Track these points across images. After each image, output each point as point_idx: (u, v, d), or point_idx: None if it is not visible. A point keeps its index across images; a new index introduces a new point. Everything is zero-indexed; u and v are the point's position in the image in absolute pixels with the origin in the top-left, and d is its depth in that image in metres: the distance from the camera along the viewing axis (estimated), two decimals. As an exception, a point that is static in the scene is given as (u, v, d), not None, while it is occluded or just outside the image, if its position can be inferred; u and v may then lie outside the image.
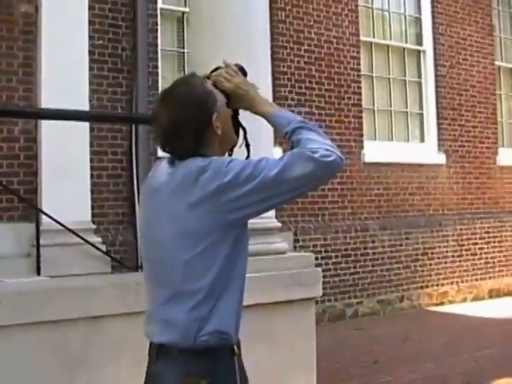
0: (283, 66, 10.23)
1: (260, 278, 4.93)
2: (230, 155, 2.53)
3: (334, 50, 10.75)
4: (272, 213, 5.38)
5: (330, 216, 10.64)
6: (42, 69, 7.95)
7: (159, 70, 9.23)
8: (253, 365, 4.73)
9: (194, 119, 2.41)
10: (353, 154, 10.84)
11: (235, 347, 2.46)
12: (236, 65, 2.61)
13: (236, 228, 2.41)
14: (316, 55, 10.56)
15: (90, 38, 8.32)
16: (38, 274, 7.21)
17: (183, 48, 9.55)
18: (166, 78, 9.29)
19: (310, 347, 5.21)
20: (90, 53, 8.34)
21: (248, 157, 2.50)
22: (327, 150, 2.35)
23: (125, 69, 8.82)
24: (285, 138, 2.44)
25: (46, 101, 7.77)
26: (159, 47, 9.28)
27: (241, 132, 2.61)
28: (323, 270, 10.04)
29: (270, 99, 9.73)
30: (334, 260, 10.49)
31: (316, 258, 9.95)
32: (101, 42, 8.65)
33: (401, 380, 6.84)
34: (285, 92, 10.19)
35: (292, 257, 5.42)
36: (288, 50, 10.30)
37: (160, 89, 8.97)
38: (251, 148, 2.59)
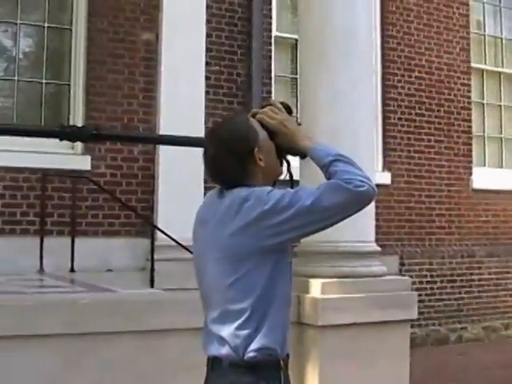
0: (393, 93, 10.42)
1: (357, 299, 5.17)
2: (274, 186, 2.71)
3: (445, 77, 10.86)
4: (372, 237, 5.61)
5: (437, 241, 10.72)
6: (161, 93, 8.42)
7: (272, 95, 9.57)
8: (347, 381, 4.99)
9: (236, 152, 2.64)
10: (461, 180, 10.92)
11: (281, 362, 2.61)
12: (282, 103, 2.83)
13: (275, 252, 2.58)
14: (426, 82, 10.70)
15: (207, 64, 8.76)
16: (152, 286, 7.58)
17: (296, 74, 9.87)
18: (278, 102, 9.62)
19: (403, 369, 5.37)
20: (207, 78, 8.77)
21: (291, 187, 2.70)
22: (361, 180, 2.50)
23: (239, 94, 9.20)
24: (322, 169, 2.61)
25: (165, 124, 8.25)
26: (273, 73, 9.65)
27: (285, 164, 2.81)
28: (428, 295, 10.25)
29: (380, 124, 9.93)
30: (439, 285, 10.56)
31: (421, 282, 10.14)
32: (217, 67, 9.08)
33: (499, 406, 6.90)
34: (394, 119, 10.37)
35: (389, 280, 5.59)
36: (399, 77, 10.48)
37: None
38: None
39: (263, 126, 2.73)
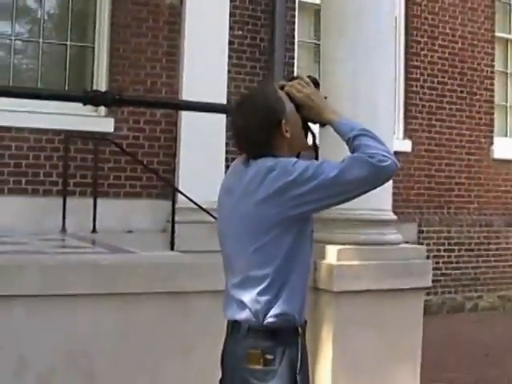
0: (416, 61, 10.43)
1: (372, 266, 5.23)
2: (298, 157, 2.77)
3: (469, 46, 10.84)
4: (389, 205, 5.66)
5: (456, 210, 10.79)
6: (185, 57, 8.49)
7: (295, 61, 9.62)
8: (360, 347, 5.09)
9: (264, 123, 2.70)
10: (482, 149, 10.97)
11: (299, 328, 2.70)
12: (309, 77, 2.89)
13: (298, 222, 2.65)
14: (450, 50, 10.70)
15: (231, 28, 8.80)
16: (172, 248, 7.69)
17: (319, 40, 9.88)
18: (301, 68, 9.68)
19: (416, 336, 5.43)
20: (230, 43, 8.82)
21: (317, 159, 2.79)
22: (384, 155, 2.57)
23: (262, 59, 9.25)
24: (347, 143, 2.69)
25: (187, 88, 8.32)
26: (296, 39, 9.68)
27: (310, 136, 2.88)
28: (445, 262, 10.34)
29: (402, 92, 9.90)
30: (456, 253, 10.65)
31: (438, 250, 10.22)
32: (240, 32, 9.12)
33: (510, 375, 6.98)
34: (417, 87, 10.39)
35: (404, 248, 5.62)
36: (422, 45, 10.48)
37: (295, 79, 9.39)
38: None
39: (290, 98, 2.78)
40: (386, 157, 2.58)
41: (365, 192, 2.67)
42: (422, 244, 9.48)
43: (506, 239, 11.07)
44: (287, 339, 2.66)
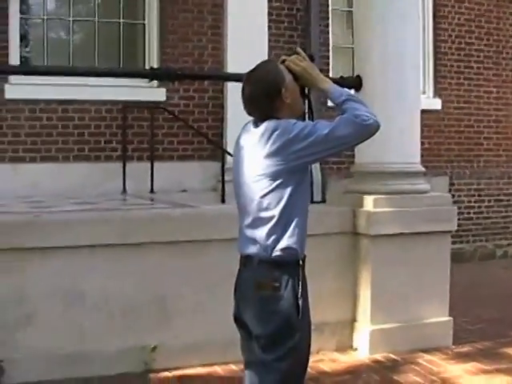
0: (444, 23, 10.97)
1: (403, 212, 5.93)
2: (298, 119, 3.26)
3: (494, 7, 11.34)
4: (417, 159, 6.30)
5: (485, 163, 11.40)
6: (228, 29, 9.18)
7: (330, 29, 10.24)
8: (394, 282, 5.82)
9: (268, 92, 3.19)
10: (509, 105, 11.51)
11: (300, 261, 3.17)
12: (305, 52, 3.44)
13: (298, 171, 3.15)
14: (476, 12, 11.21)
15: (269, 0, 9.42)
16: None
17: (351, 7, 10.49)
18: (336, 35, 10.33)
19: (444, 273, 6.14)
20: (269, 14, 9.46)
21: (312, 120, 3.32)
22: (366, 116, 3.07)
23: (299, 28, 9.89)
24: (337, 107, 3.21)
25: (232, 58, 9.01)
26: (330, 7, 10.30)
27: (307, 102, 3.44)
28: (476, 213, 11.01)
29: (431, 53, 10.35)
30: (486, 204, 11.29)
31: (469, 201, 10.88)
32: (278, 3, 9.76)
33: (535, 312, 7.58)
34: (445, 48, 10.95)
35: (432, 196, 6.24)
36: (449, 8, 11.01)
37: (331, 46, 10.08)
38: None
39: (290, 71, 3.34)
40: (368, 117, 3.12)
41: (353, 145, 3.30)
42: (454, 196, 10.08)
43: (533, 189, 11.68)
44: (290, 270, 3.12)
